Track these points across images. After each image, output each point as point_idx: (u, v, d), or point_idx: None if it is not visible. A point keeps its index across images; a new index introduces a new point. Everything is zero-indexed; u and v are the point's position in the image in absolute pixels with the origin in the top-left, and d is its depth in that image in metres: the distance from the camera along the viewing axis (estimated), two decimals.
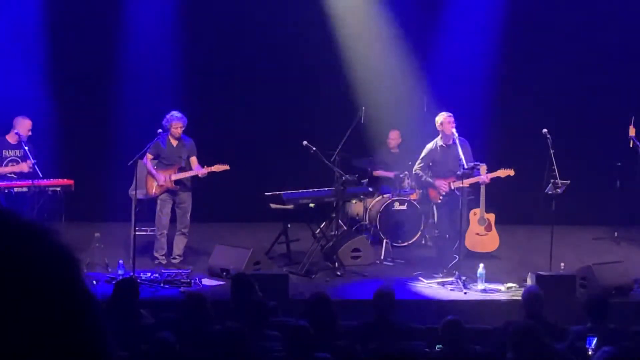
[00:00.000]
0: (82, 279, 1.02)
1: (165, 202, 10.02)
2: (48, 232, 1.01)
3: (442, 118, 9.77)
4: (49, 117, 11.97)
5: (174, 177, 9.93)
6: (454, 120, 9.77)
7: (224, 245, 9.92)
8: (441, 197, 9.79)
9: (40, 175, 9.68)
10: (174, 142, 10.02)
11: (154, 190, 9.99)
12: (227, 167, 10.01)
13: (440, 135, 9.86)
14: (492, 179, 9.95)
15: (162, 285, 9.05)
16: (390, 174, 11.63)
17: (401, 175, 11.48)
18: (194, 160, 10.05)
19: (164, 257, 10.03)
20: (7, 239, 0.97)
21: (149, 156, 9.91)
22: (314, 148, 10.17)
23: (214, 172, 9.98)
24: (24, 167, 9.87)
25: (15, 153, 10.02)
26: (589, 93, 13.12)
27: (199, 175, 9.94)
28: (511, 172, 9.94)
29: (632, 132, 11.61)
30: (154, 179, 9.96)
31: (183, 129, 9.97)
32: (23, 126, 9.95)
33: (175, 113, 9.97)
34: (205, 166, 9.95)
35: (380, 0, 12.57)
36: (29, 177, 9.79)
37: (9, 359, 0.92)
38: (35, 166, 9.70)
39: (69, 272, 1.01)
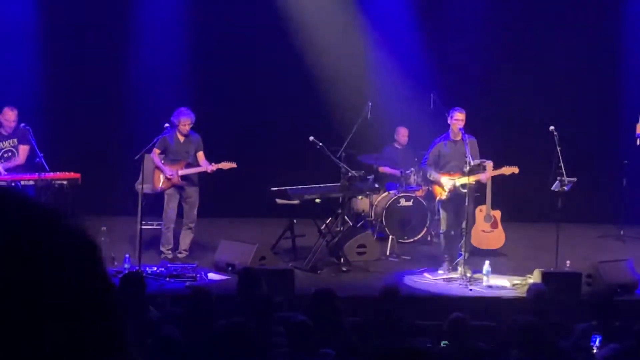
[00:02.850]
0: (102, 264, 1.02)
1: (172, 197, 10.04)
2: (69, 217, 1.01)
3: (452, 114, 9.77)
4: (55, 111, 12.00)
5: (182, 172, 9.94)
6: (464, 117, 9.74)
7: (229, 240, 9.93)
8: (445, 194, 9.77)
9: (47, 169, 9.68)
10: (182, 138, 10.02)
11: (160, 185, 10.01)
12: (234, 165, 9.98)
13: (449, 130, 9.86)
14: (496, 176, 9.92)
15: (167, 279, 9.06)
16: (397, 172, 11.60)
17: (407, 172, 11.46)
18: (200, 155, 10.05)
19: (170, 252, 10.05)
20: (28, 225, 0.98)
21: (157, 151, 9.92)
22: (320, 144, 10.17)
23: (221, 169, 9.99)
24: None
25: (10, 143, 10.01)
26: (596, 90, 13.10)
27: (208, 172, 9.95)
28: (515, 170, 9.90)
29: (638, 130, 11.59)
30: (162, 172, 9.96)
31: (191, 125, 9.97)
32: (5, 117, 9.90)
33: (184, 109, 9.96)
34: (213, 163, 9.95)
35: None
36: (36, 171, 9.79)
37: (28, 345, 0.93)
38: (42, 160, 9.70)
39: (90, 258, 1.01)
